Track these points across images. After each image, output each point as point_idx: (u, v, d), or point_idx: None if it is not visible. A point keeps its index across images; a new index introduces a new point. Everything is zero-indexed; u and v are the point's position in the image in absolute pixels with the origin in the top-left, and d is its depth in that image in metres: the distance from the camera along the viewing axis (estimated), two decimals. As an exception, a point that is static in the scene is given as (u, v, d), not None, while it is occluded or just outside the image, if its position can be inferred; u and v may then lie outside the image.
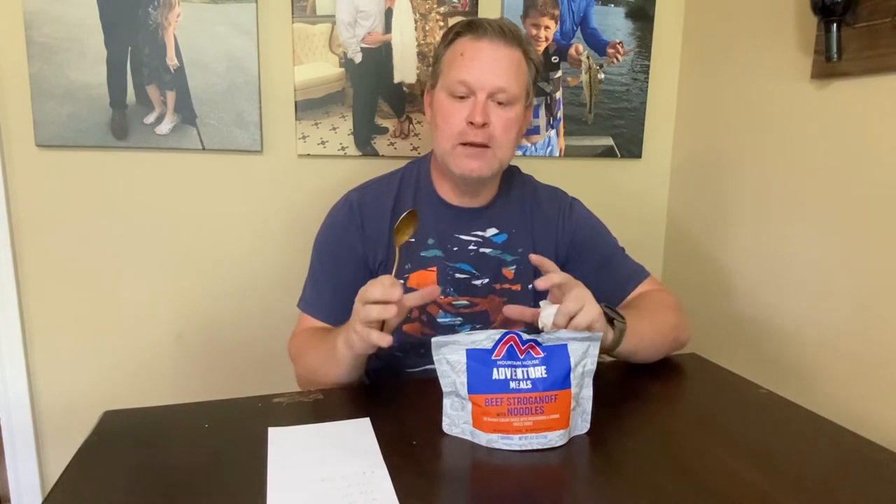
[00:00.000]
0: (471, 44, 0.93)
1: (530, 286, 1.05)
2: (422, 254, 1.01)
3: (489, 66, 0.91)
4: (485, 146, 0.93)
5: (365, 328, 0.77)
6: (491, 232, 1.04)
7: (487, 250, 1.03)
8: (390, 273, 0.79)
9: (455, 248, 1.02)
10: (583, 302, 0.79)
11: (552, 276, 0.80)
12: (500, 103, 0.93)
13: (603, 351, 0.85)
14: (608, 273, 1.07)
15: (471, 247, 1.03)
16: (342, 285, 0.96)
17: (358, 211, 1.00)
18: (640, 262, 1.10)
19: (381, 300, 0.75)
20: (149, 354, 1.39)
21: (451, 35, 0.96)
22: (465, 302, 1.03)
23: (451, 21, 1.41)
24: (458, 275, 1.02)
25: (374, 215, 1.01)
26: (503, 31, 0.92)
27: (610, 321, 0.88)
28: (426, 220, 1.01)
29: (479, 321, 1.03)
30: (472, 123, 0.91)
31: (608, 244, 1.10)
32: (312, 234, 1.05)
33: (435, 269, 1.01)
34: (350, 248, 1.00)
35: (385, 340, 0.76)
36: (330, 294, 1.00)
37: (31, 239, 1.29)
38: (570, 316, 0.78)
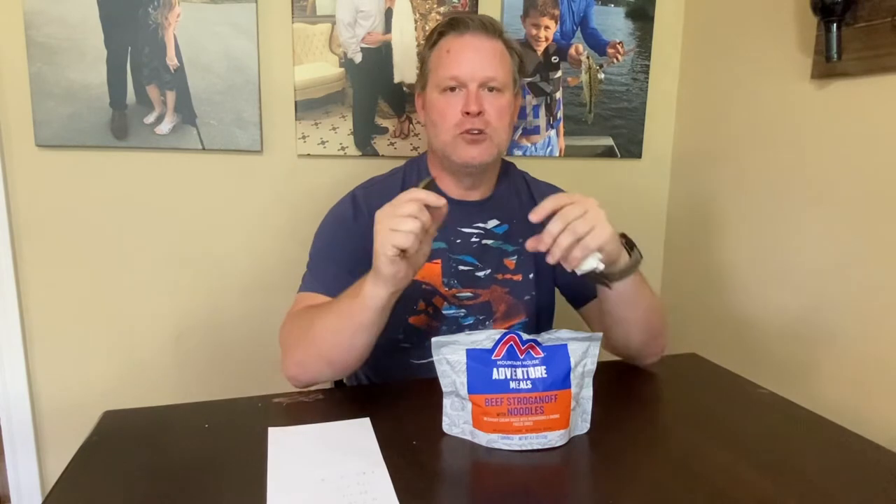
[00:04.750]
0: (455, 40, 0.96)
1: (531, 275, 1.06)
2: None
3: (476, 58, 0.95)
4: (482, 132, 0.96)
5: (395, 235, 0.73)
6: (492, 223, 1.05)
7: (489, 241, 1.05)
8: None
9: (458, 241, 1.03)
10: (593, 222, 0.76)
11: (545, 205, 0.77)
12: (490, 90, 0.96)
13: (609, 277, 0.82)
14: None
15: (473, 239, 1.04)
16: (345, 262, 0.94)
17: (364, 203, 1.01)
18: None
19: (413, 214, 0.73)
20: (149, 354, 1.39)
21: (435, 36, 0.99)
22: (468, 294, 1.04)
23: (451, 21, 1.42)
24: (461, 267, 1.03)
25: (379, 207, 0.99)
26: (484, 25, 0.96)
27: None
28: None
29: (482, 312, 1.04)
30: (468, 113, 0.94)
31: None
32: (312, 234, 1.04)
33: (439, 261, 1.02)
34: (356, 233, 0.98)
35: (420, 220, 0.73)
36: (334, 269, 0.96)
37: (31, 239, 1.29)
38: (578, 237, 0.76)
